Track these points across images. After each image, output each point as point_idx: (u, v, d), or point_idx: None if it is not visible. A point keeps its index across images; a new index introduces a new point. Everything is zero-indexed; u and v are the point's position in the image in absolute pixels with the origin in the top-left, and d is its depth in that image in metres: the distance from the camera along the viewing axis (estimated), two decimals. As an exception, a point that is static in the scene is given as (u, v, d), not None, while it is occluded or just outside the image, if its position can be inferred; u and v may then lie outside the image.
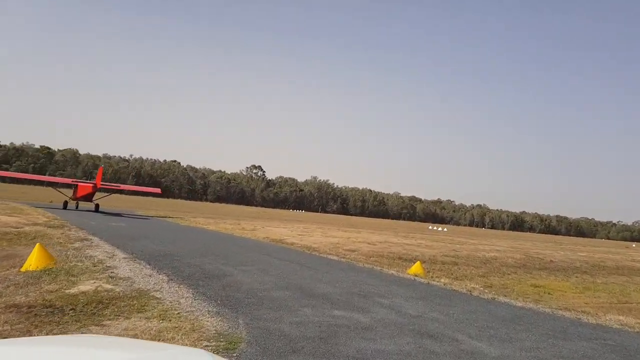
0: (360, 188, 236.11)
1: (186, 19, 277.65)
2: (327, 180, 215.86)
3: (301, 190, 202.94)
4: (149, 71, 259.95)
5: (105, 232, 18.66)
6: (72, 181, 42.66)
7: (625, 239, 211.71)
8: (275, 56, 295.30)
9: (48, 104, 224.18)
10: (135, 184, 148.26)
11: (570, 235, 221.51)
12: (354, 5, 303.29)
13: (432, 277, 15.79)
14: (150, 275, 10.54)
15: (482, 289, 14.69)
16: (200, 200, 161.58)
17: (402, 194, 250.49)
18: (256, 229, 29.56)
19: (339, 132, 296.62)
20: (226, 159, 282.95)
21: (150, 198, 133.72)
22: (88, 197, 35.25)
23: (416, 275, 15.38)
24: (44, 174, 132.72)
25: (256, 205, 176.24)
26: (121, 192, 56.60)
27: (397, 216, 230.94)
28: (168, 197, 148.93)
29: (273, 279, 11.39)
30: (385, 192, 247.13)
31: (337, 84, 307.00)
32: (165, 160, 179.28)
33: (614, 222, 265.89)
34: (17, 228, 16.50)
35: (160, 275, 10.64)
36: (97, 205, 36.46)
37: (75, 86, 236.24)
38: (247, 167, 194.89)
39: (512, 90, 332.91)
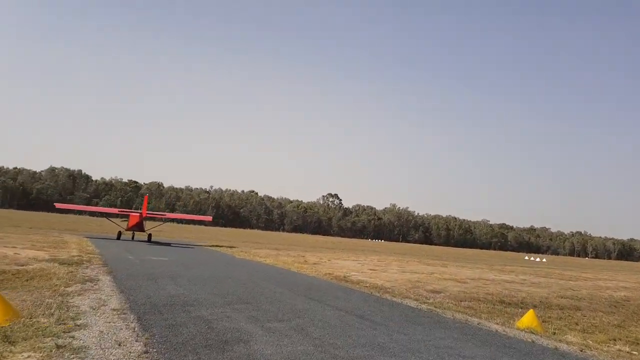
0: (444, 215, 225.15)
1: (259, 54, 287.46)
2: (407, 208, 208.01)
3: (380, 218, 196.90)
4: (225, 103, 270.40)
5: (130, 269, 15.62)
6: (119, 211, 42.62)
7: None
8: (357, 82, 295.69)
9: (135, 139, 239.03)
10: (215, 215, 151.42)
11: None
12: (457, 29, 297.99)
13: (553, 332, 10.89)
14: (120, 344, 6.91)
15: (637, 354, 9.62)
16: (277, 230, 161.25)
17: (491, 222, 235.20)
18: (320, 262, 25.55)
19: (418, 157, 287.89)
20: (302, 188, 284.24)
21: (229, 228, 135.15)
22: (139, 227, 34.58)
23: (531, 331, 10.58)
24: (131, 207, 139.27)
25: (333, 235, 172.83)
26: (171, 220, 57.15)
27: (487, 246, 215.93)
28: (245, 228, 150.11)
29: (310, 348, 7.31)
30: (472, 220, 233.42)
31: (417, 108, 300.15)
32: (243, 191, 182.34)
33: None
34: (24, 265, 13.86)
35: (137, 343, 6.98)
36: (149, 236, 35.38)
37: (157, 122, 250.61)
38: (324, 196, 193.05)
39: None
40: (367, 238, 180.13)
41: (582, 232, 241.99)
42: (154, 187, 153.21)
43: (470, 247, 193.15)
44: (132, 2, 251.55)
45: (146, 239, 35.09)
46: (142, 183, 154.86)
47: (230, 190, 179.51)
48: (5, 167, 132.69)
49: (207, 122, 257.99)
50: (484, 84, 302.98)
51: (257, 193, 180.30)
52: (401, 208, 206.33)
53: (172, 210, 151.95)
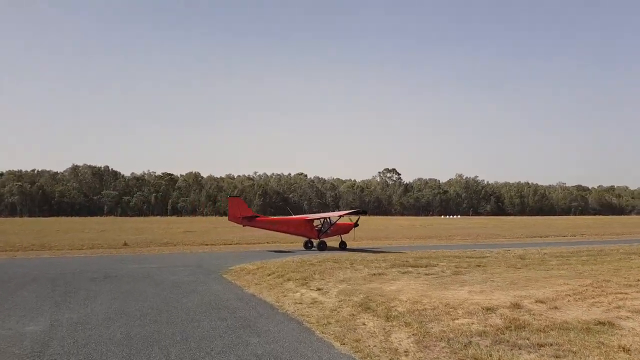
0: (513, 182, 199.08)
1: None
2: (476, 177, 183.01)
3: (445, 191, 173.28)
4: (260, 82, 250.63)
5: None
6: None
7: None
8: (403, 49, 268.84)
9: (165, 130, 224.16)
10: (262, 202, 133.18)
11: None
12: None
13: None
14: None
15: None
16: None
17: (567, 184, 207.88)
18: None
19: (480, 121, 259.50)
20: (356, 165, 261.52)
21: (278, 217, 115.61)
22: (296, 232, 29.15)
23: None
24: (167, 202, 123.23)
25: (394, 214, 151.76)
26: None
27: (566, 211, 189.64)
28: (297, 214, 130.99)
29: None
30: (546, 185, 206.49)
31: (474, 67, 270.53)
32: (290, 174, 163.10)
33: None
34: None
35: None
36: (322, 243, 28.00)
37: (190, 110, 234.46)
38: (380, 172, 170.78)
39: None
40: (432, 214, 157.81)
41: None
42: (191, 179, 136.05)
43: (548, 215, 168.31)
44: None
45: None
46: (178, 175, 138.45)
47: (276, 174, 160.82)
48: (22, 170, 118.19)
49: (242, 99, 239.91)
50: (551, 41, 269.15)
51: (306, 175, 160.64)
52: (468, 177, 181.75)
53: (214, 203, 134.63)
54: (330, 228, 28.69)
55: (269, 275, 15.13)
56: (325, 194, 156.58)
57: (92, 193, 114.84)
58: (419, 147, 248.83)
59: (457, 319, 9.21)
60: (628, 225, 69.87)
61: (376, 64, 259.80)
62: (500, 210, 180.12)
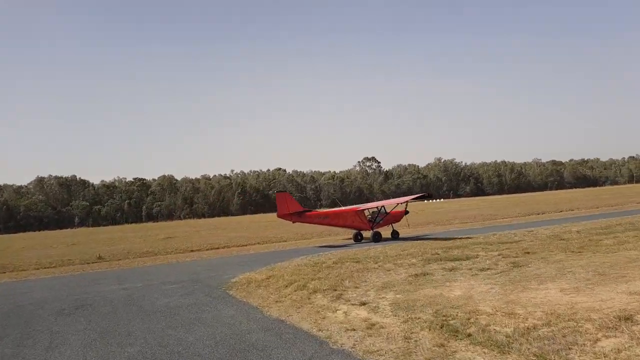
0: (490, 162, 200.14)
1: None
2: (453, 160, 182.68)
3: (425, 176, 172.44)
4: (235, 79, 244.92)
5: None
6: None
7: None
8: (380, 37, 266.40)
9: (134, 134, 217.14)
10: (242, 201, 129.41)
11: None
12: None
13: None
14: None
15: None
16: (315, 207, 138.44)
17: (542, 160, 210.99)
18: None
19: (452, 103, 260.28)
20: (334, 156, 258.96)
21: (260, 215, 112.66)
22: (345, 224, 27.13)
23: None
24: (141, 208, 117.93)
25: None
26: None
27: (543, 187, 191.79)
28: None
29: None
30: (521, 162, 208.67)
31: (442, 50, 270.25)
32: (269, 170, 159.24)
33: None
34: None
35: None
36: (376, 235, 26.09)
37: (159, 110, 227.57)
38: (360, 161, 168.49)
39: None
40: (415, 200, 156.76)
41: (635, 156, 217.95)
42: (166, 183, 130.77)
43: (526, 191, 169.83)
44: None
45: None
46: (151, 179, 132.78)
47: (254, 171, 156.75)
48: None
49: (213, 98, 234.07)
50: (519, 17, 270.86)
51: (285, 170, 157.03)
52: (447, 160, 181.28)
53: (191, 205, 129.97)
54: (384, 217, 27.09)
55: (287, 286, 12.01)
56: (306, 187, 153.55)
57: (60, 205, 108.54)
58: (397, 134, 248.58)
59: (599, 340, 6.33)
60: (616, 196, 69.32)
61: (348, 53, 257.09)
62: (479, 190, 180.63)
